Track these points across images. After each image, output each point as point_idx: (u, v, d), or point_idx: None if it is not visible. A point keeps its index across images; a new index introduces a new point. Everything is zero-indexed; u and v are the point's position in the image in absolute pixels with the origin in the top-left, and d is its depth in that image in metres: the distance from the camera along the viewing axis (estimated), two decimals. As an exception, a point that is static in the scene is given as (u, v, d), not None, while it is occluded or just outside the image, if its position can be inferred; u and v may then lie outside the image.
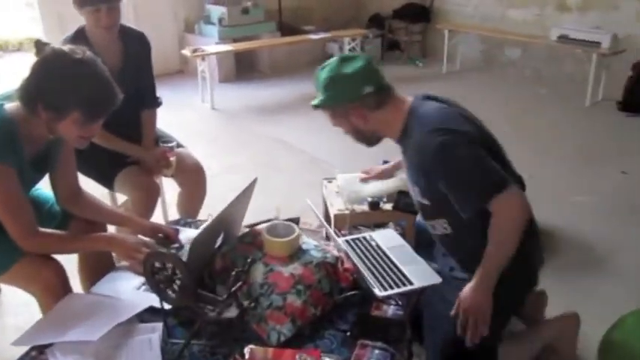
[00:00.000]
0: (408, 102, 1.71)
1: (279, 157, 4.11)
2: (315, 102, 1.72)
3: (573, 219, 3.20)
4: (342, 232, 2.09)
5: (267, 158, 4.09)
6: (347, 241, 1.84)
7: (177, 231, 1.90)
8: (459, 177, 1.57)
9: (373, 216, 2.31)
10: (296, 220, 1.88)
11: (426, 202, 1.72)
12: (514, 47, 6.27)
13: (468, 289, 1.59)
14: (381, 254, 1.77)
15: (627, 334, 1.10)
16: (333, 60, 1.70)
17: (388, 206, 2.31)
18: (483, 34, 6.35)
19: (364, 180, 2.41)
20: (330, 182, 2.52)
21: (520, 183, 1.76)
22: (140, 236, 1.82)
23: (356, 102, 1.67)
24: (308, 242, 1.69)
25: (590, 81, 5.16)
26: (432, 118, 1.62)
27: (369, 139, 1.79)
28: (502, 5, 6.28)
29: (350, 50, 6.15)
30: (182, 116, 4.86)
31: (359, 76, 1.65)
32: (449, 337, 1.62)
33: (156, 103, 2.56)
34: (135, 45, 2.43)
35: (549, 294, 2.18)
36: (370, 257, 1.75)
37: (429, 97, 1.72)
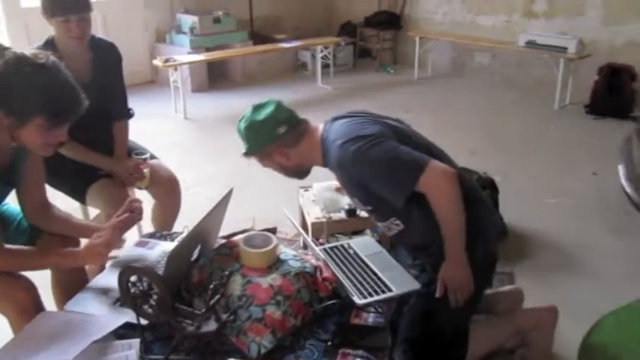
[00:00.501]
0: (319, 129, 1.82)
1: (254, 167, 4.05)
2: (242, 151, 1.85)
3: (547, 221, 3.25)
4: (320, 240, 2.09)
5: (241, 168, 4.03)
6: (325, 250, 1.84)
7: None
8: (381, 174, 1.66)
9: (350, 223, 2.31)
10: (273, 230, 1.87)
11: (370, 208, 1.82)
12: (484, 53, 6.37)
13: (444, 269, 1.67)
14: (360, 262, 1.76)
15: (606, 336, 1.11)
16: (248, 110, 1.83)
17: (365, 213, 2.31)
18: (453, 41, 6.43)
19: (340, 189, 2.41)
20: (306, 191, 2.52)
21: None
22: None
23: (274, 143, 1.78)
24: (286, 252, 1.68)
25: (558, 85, 5.28)
26: (339, 135, 1.72)
27: (298, 172, 1.91)
28: (471, 12, 6.37)
29: (322, 58, 6.18)
30: (155, 127, 4.80)
31: (271, 119, 1.77)
32: (417, 314, 1.70)
33: (127, 114, 2.53)
34: (105, 56, 2.40)
35: (525, 294, 2.20)
36: (349, 265, 1.75)
37: (336, 118, 1.83)
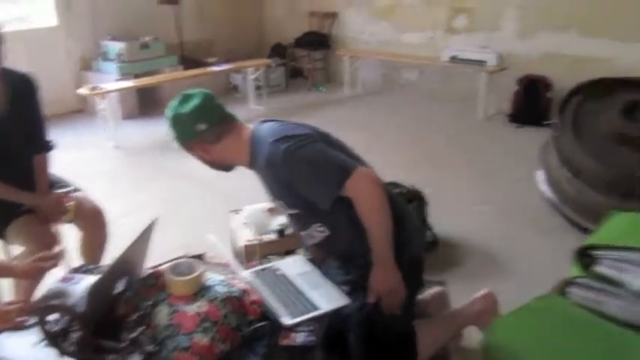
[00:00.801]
0: (249, 129, 1.83)
1: (188, 192, 4.04)
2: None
3: (476, 228, 3.37)
4: (253, 262, 2.08)
5: (175, 194, 4.01)
6: (254, 272, 1.84)
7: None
8: (309, 175, 1.68)
9: (282, 244, 2.32)
10: (200, 256, 1.86)
11: (295, 211, 1.82)
12: (411, 69, 6.58)
13: (374, 275, 1.69)
14: (288, 282, 1.78)
15: (500, 336, 1.12)
16: (175, 99, 1.82)
17: (291, 230, 2.33)
18: (382, 59, 6.62)
19: (271, 210, 2.42)
20: (237, 214, 2.51)
21: None
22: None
23: (194, 139, 1.79)
24: (213, 278, 1.67)
25: (481, 97, 5.52)
26: (269, 134, 1.75)
27: (222, 167, 1.91)
28: (397, 31, 6.59)
29: (254, 80, 6.20)
30: (84, 157, 4.69)
31: (192, 115, 1.76)
32: (360, 331, 1.73)
33: (47, 146, 2.45)
34: (20, 87, 2.33)
35: (458, 301, 2.26)
36: (277, 286, 1.76)
37: (265, 120, 1.86)
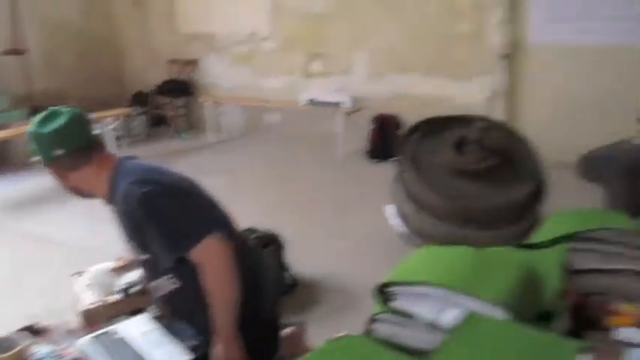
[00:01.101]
0: (113, 161, 1.76)
1: (39, 255, 3.78)
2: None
3: (333, 265, 3.49)
4: (96, 326, 1.99)
5: (25, 259, 3.73)
6: (91, 338, 1.76)
7: None
8: (160, 226, 1.63)
9: (129, 303, 2.24)
10: (31, 328, 1.75)
11: (147, 256, 1.75)
12: (273, 113, 6.75)
13: (214, 346, 1.66)
14: (126, 345, 1.72)
15: None
16: (41, 114, 1.71)
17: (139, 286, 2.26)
18: (243, 104, 6.73)
19: (117, 269, 2.34)
20: (80, 276, 2.40)
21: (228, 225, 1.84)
22: None
23: (50, 162, 1.70)
24: (41, 351, 1.58)
25: (340, 136, 5.79)
26: (134, 172, 1.70)
27: (81, 194, 1.81)
28: (255, 76, 6.75)
29: (114, 130, 6.01)
30: None
31: (50, 137, 1.66)
32: None
33: None
34: None
35: (320, 339, 2.29)
36: (116, 351, 1.69)
37: (133, 157, 1.81)
